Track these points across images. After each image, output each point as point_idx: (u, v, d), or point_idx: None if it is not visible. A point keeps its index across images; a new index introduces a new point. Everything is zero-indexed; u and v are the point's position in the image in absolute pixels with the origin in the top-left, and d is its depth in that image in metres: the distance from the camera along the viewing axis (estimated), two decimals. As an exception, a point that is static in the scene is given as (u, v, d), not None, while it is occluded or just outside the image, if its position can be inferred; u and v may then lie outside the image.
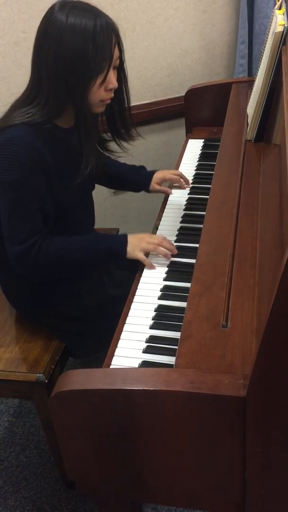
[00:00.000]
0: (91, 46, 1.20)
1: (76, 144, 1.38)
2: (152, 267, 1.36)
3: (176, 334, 1.13)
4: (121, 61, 1.34)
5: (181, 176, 1.71)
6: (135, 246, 1.37)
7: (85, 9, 1.22)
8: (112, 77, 1.30)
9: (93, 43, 1.20)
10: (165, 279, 1.32)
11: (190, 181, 1.73)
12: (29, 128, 1.26)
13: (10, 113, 1.30)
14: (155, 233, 1.50)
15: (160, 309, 1.23)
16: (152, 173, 1.70)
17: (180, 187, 1.71)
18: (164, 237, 1.40)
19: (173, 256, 1.39)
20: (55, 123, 1.33)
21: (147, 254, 1.38)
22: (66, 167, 1.35)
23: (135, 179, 1.71)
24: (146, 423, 0.89)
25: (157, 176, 1.69)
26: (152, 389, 0.85)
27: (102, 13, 1.24)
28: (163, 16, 2.04)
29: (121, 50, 1.31)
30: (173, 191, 1.70)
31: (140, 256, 1.36)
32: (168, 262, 1.38)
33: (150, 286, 1.31)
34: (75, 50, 1.20)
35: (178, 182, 1.71)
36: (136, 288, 1.31)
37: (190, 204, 1.63)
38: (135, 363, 1.09)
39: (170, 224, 1.54)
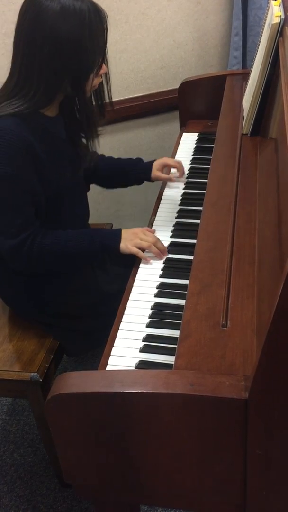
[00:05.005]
0: (88, 33, 1.19)
1: (62, 132, 1.37)
2: (147, 259, 1.35)
3: (173, 333, 1.12)
4: None
5: (180, 165, 1.68)
6: (129, 241, 1.36)
7: None
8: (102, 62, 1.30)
9: (89, 29, 1.19)
10: (161, 276, 1.30)
11: (185, 176, 1.70)
12: (17, 119, 1.23)
13: None
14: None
15: (156, 307, 1.21)
16: (151, 162, 1.66)
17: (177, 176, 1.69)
18: (157, 238, 1.38)
19: (169, 252, 1.37)
20: (42, 113, 1.30)
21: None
22: (56, 157, 1.34)
23: (135, 172, 1.66)
24: (145, 426, 0.87)
25: (157, 162, 1.65)
26: (151, 391, 0.83)
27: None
28: (156, 7, 2.01)
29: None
30: (168, 185, 1.67)
31: (134, 250, 1.35)
32: (164, 259, 1.36)
33: (146, 283, 1.29)
34: (73, 37, 1.18)
35: (177, 168, 1.67)
36: (132, 286, 1.29)
37: (186, 199, 1.60)
38: (132, 363, 1.08)
39: (165, 220, 1.52)
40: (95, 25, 1.21)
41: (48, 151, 1.30)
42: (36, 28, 1.18)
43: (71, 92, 1.29)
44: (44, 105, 1.28)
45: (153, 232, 1.42)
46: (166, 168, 1.69)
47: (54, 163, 1.32)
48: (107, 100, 1.42)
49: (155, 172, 1.64)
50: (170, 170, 1.71)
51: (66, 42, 1.18)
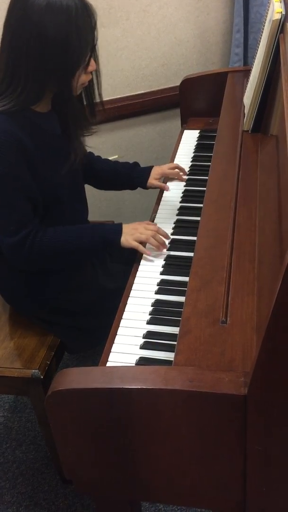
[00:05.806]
0: (75, 29, 1.17)
1: (56, 128, 1.36)
2: (147, 253, 1.35)
3: (174, 330, 1.12)
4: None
5: (178, 168, 1.68)
6: (129, 235, 1.35)
7: None
8: (91, 59, 1.27)
9: (76, 26, 1.17)
10: (162, 273, 1.30)
11: (186, 173, 1.70)
12: (5, 116, 1.22)
13: None
14: (151, 226, 1.48)
15: (157, 304, 1.21)
16: (149, 169, 1.65)
17: (177, 179, 1.68)
18: (158, 228, 1.39)
19: (169, 249, 1.37)
20: (33, 109, 1.29)
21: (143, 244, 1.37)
22: (49, 153, 1.32)
23: (130, 176, 1.64)
24: (144, 422, 0.87)
25: (155, 171, 1.64)
26: (150, 387, 0.83)
27: None
28: (157, 4, 2.00)
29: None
30: (169, 182, 1.67)
31: (134, 244, 1.35)
32: (164, 255, 1.36)
33: (147, 280, 1.29)
34: (59, 34, 1.16)
35: (176, 176, 1.67)
36: (133, 283, 1.29)
37: (187, 196, 1.60)
38: (133, 359, 1.08)
39: (166, 217, 1.51)
40: (82, 21, 1.18)
41: (40, 147, 1.28)
42: (22, 24, 1.16)
43: (58, 89, 1.27)
44: (33, 102, 1.27)
45: (155, 225, 1.41)
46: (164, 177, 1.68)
47: (47, 159, 1.31)
48: (98, 99, 1.39)
49: (152, 180, 1.63)
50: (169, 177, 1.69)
51: (52, 38, 1.16)
